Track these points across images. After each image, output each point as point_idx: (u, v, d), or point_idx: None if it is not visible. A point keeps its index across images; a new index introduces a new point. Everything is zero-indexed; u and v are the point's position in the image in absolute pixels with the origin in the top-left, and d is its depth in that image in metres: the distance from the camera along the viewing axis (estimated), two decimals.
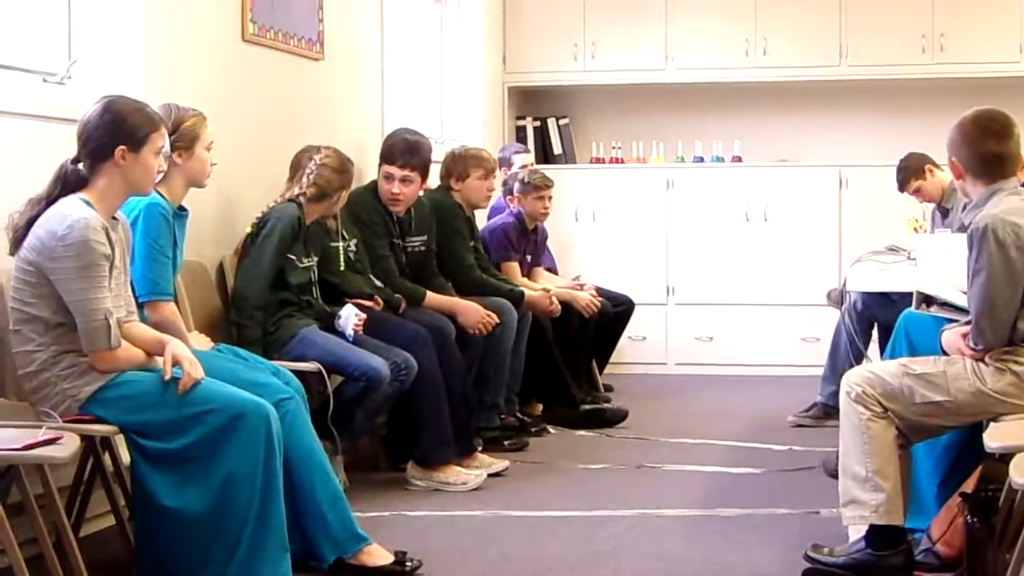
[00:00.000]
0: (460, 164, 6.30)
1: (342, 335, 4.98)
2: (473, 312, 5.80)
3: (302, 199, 5.01)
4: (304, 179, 5.04)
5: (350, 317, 5.00)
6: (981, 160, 3.84)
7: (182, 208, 4.27)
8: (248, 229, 4.96)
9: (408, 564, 3.96)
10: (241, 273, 4.92)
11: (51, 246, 3.46)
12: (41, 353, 3.54)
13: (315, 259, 5.12)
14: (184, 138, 4.16)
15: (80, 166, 3.60)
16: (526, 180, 6.81)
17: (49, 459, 3.26)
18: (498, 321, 5.87)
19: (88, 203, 3.54)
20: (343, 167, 5.12)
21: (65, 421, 3.47)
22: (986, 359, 3.71)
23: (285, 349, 4.82)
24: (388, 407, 5.22)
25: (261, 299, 4.83)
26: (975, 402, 3.71)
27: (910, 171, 7.09)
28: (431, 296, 5.80)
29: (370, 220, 5.65)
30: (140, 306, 3.97)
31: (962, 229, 5.72)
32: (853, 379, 3.82)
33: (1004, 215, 3.71)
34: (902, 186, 7.14)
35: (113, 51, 4.67)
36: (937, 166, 7.02)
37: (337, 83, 6.37)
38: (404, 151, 5.65)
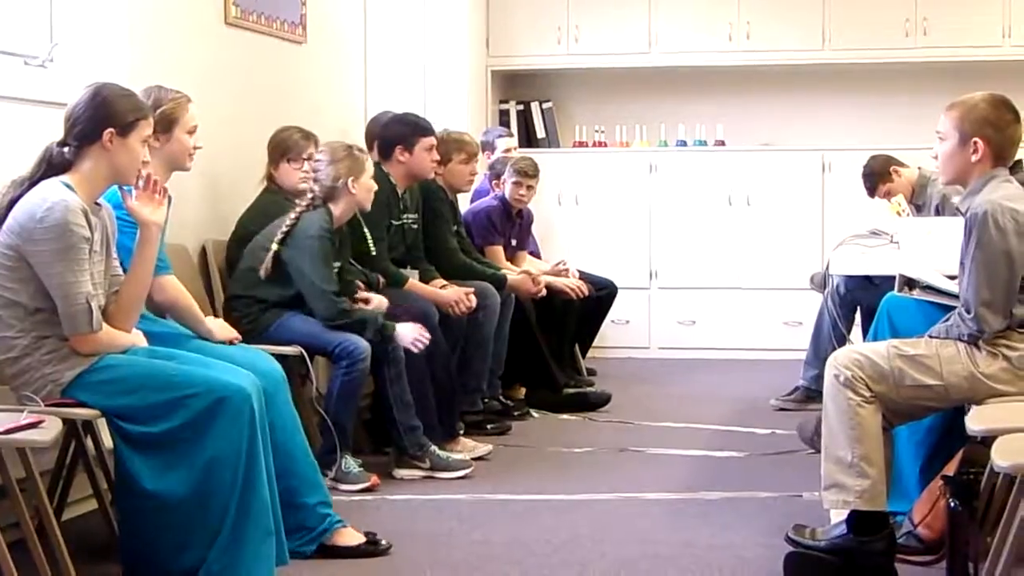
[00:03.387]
0: (442, 148, 6.26)
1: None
2: (452, 299, 5.75)
3: (319, 205, 4.96)
4: (307, 186, 5.01)
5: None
6: (1012, 144, 3.85)
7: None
8: (273, 247, 4.87)
9: (379, 544, 3.99)
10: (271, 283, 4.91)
11: (30, 228, 3.43)
12: (22, 339, 3.51)
13: (340, 263, 5.08)
14: (162, 121, 4.04)
15: (65, 150, 3.58)
16: (512, 164, 6.79)
17: (31, 443, 3.24)
18: (474, 292, 5.83)
19: (69, 186, 3.51)
20: (336, 156, 4.99)
21: (47, 405, 3.46)
22: (980, 343, 3.71)
23: (265, 335, 4.82)
24: (402, 382, 5.11)
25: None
26: (966, 386, 3.70)
27: (876, 176, 7.02)
28: (412, 283, 5.75)
29: (379, 197, 5.42)
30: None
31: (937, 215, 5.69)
32: (841, 361, 3.75)
33: (1003, 201, 3.70)
34: (871, 192, 7.08)
35: (95, 34, 4.65)
36: (902, 164, 7.00)
37: (320, 66, 6.35)
38: (430, 128, 5.84)
